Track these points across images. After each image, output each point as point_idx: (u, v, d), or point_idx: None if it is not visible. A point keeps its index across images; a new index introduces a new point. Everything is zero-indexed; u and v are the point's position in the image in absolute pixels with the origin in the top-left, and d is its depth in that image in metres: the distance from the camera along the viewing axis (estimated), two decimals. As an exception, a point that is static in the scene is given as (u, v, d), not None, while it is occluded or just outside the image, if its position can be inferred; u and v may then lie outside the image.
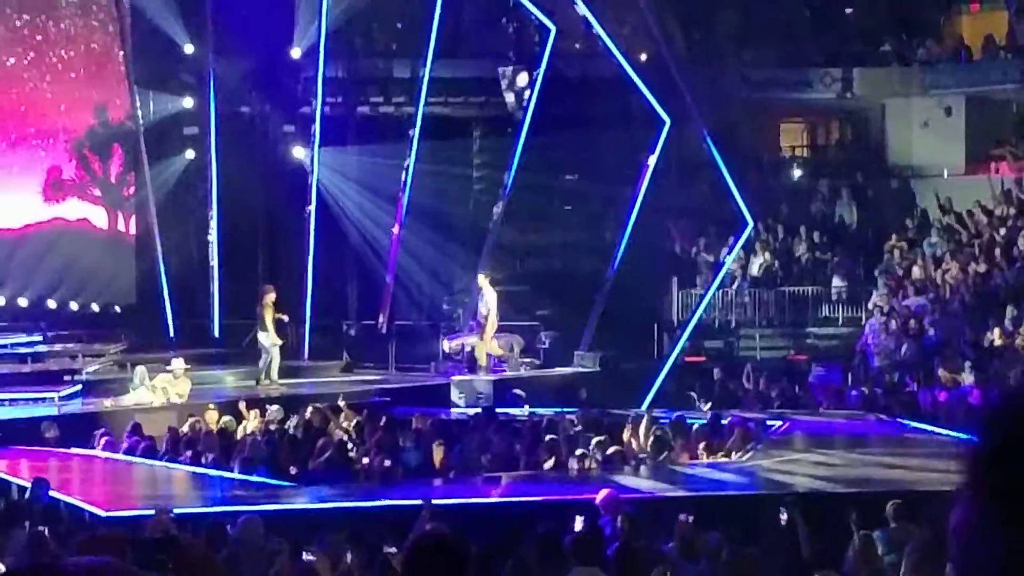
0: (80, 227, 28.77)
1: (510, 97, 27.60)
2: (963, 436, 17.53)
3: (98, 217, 29.20)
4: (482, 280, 23.97)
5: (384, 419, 18.28)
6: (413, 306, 28.24)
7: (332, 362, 25.80)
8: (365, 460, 16.37)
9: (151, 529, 10.12)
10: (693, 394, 22.85)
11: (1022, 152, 30.23)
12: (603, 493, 11.65)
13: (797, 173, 32.97)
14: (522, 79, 27.32)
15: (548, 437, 17.03)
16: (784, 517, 10.93)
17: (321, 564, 9.45)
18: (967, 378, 21.76)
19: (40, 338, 25.98)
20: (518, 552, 9.19)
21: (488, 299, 23.53)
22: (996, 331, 23.49)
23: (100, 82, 28.37)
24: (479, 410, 19.95)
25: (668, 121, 26.13)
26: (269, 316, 22.65)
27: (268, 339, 22.71)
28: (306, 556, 9.53)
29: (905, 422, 19.86)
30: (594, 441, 16.09)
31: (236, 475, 15.52)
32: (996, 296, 24.99)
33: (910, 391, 22.58)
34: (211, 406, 19.41)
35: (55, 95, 28.17)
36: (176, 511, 11.69)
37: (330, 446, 16.79)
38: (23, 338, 25.98)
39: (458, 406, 21.63)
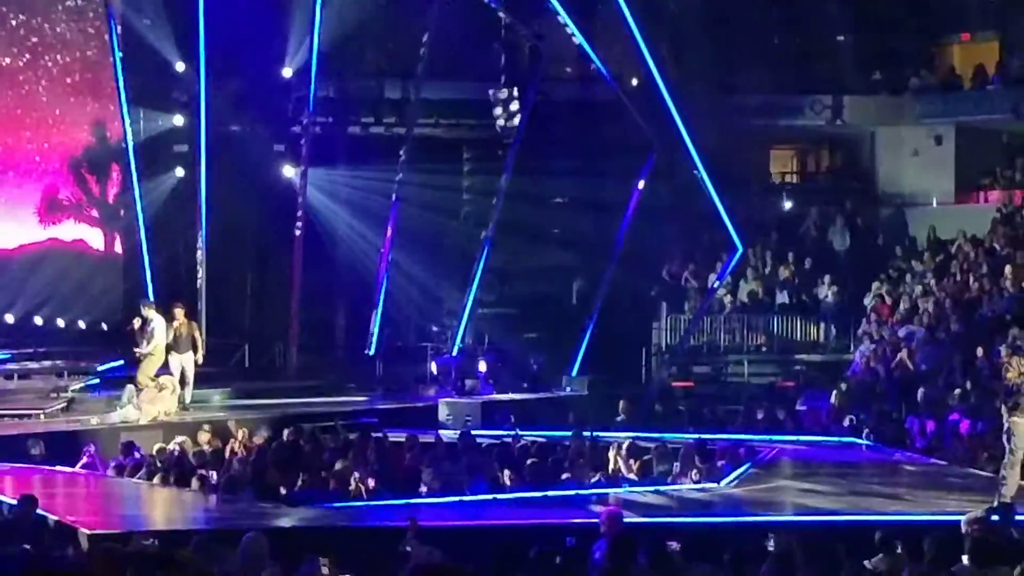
0: (75, 248, 28.35)
1: (500, 120, 27.59)
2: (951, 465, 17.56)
3: (94, 238, 28.75)
4: (148, 311, 21.10)
5: (371, 440, 18.22)
6: (401, 327, 28.16)
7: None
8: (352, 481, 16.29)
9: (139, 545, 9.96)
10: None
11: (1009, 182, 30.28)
12: (607, 509, 11.49)
13: (787, 199, 32.99)
14: (512, 102, 27.32)
15: (533, 460, 17.00)
16: (771, 545, 10.78)
17: None
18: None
19: (26, 354, 25.81)
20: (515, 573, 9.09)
21: (156, 330, 20.85)
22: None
23: (96, 91, 27.99)
24: (460, 432, 19.80)
25: (657, 145, 26.15)
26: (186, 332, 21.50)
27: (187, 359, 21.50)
28: None
29: (893, 450, 19.84)
30: (580, 464, 16.08)
31: (219, 494, 15.42)
32: (984, 325, 24.95)
33: (898, 419, 22.55)
34: (205, 427, 19.26)
35: (51, 99, 27.68)
36: (160, 529, 11.56)
37: (314, 466, 16.75)
38: (8, 354, 25.81)
39: (446, 427, 21.52)
